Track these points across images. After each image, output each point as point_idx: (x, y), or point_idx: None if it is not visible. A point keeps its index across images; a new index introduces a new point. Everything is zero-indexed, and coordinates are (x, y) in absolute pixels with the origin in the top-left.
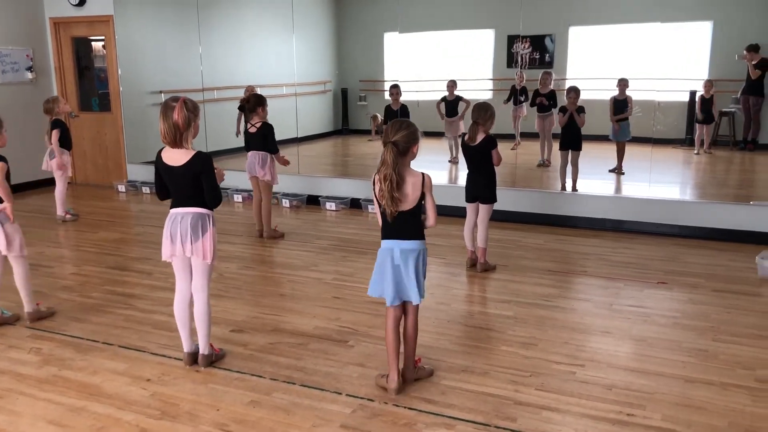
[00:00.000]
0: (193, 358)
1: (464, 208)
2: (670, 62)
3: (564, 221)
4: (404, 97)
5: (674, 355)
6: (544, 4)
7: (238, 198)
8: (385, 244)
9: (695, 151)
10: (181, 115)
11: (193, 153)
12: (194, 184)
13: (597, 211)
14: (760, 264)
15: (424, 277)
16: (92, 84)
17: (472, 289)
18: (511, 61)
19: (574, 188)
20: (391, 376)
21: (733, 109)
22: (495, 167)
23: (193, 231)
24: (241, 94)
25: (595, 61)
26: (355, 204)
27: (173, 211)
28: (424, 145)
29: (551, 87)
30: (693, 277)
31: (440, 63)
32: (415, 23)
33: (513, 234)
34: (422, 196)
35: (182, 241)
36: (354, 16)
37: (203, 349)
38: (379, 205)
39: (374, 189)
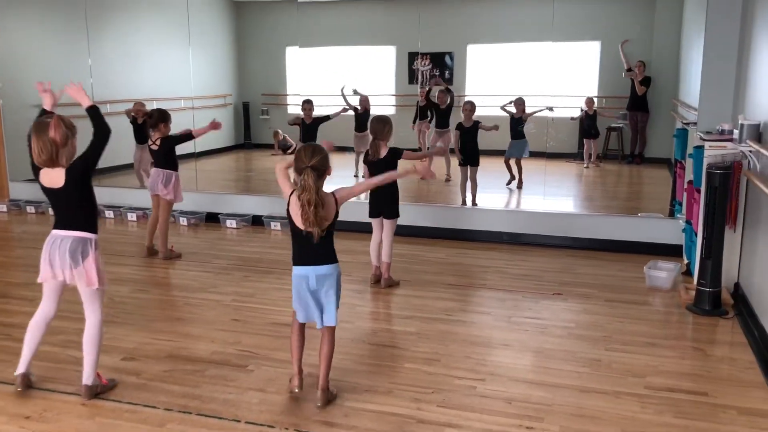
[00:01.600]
0: (26, 381)
1: (368, 224)
2: (562, 80)
3: (464, 235)
4: None
5: (570, 366)
6: (442, 23)
7: (132, 216)
8: (298, 270)
9: (585, 165)
10: (59, 131)
11: (64, 170)
12: (77, 204)
13: (495, 224)
14: (647, 274)
15: (338, 300)
16: None
17: (376, 306)
18: (413, 77)
19: (474, 203)
20: (294, 380)
21: (620, 125)
22: (397, 183)
23: (72, 257)
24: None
25: (493, 78)
26: (257, 221)
27: (54, 232)
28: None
29: (448, 102)
30: (586, 288)
31: (342, 78)
32: (316, 38)
33: (415, 249)
34: (336, 216)
35: (61, 267)
36: (254, 29)
37: (87, 379)
38: (296, 230)
39: (290, 213)
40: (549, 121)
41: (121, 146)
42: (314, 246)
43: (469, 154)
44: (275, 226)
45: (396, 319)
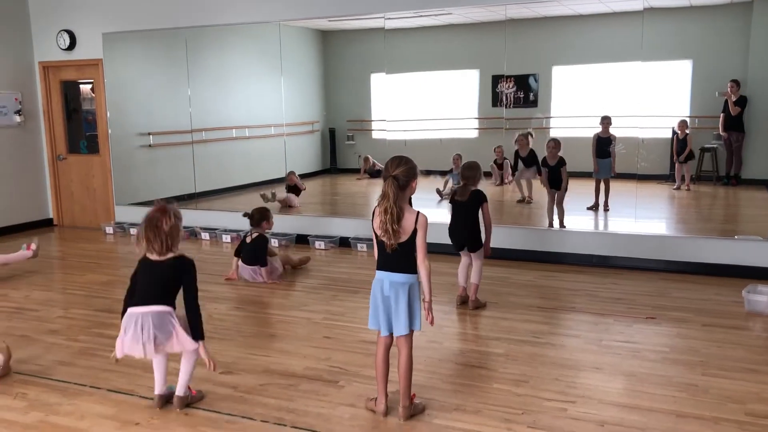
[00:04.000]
0: (162, 400)
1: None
2: (652, 100)
3: (552, 258)
4: (392, 136)
5: (665, 390)
6: (527, 45)
7: (226, 238)
8: (378, 275)
9: (675, 186)
10: (169, 223)
11: (178, 253)
12: (168, 285)
13: (584, 247)
14: (746, 298)
15: (417, 311)
16: (80, 126)
17: (463, 327)
18: (496, 100)
19: (561, 225)
20: (379, 399)
21: (714, 145)
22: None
23: (160, 330)
24: (229, 134)
25: (578, 99)
26: (344, 242)
27: (134, 310)
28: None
29: (530, 147)
30: (681, 312)
31: (427, 102)
32: (401, 64)
33: (502, 271)
34: (414, 234)
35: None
36: (341, 57)
37: (179, 390)
38: (377, 237)
39: (373, 221)
40: (640, 141)
41: (219, 171)
42: (392, 254)
43: (557, 179)
44: (362, 247)
45: (484, 341)
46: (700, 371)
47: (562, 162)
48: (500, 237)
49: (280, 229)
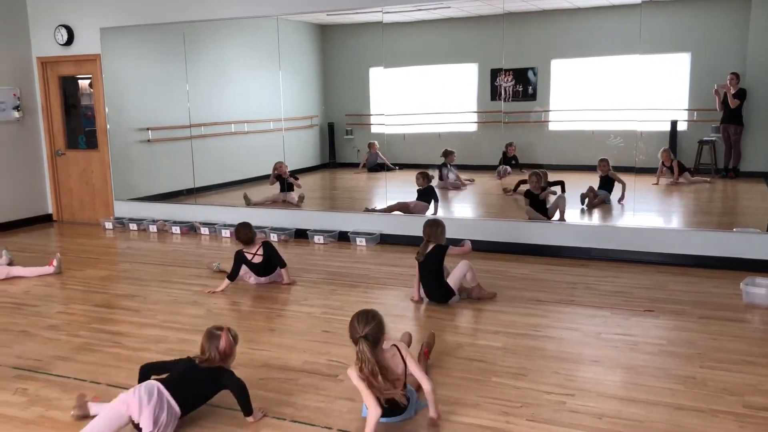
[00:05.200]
0: None
1: (459, 240)
2: (650, 93)
3: (551, 251)
4: (390, 130)
5: (663, 383)
6: (525, 39)
7: (225, 233)
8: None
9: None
10: (227, 343)
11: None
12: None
13: (583, 240)
14: (744, 290)
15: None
16: (79, 122)
17: (461, 321)
18: (495, 94)
19: (561, 218)
20: None
21: (713, 138)
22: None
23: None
24: (228, 129)
25: (578, 92)
26: (343, 237)
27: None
28: (411, 176)
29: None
30: (679, 305)
31: (425, 96)
32: (399, 58)
33: (501, 264)
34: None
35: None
36: (339, 51)
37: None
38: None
39: (356, 381)
40: (638, 135)
41: (217, 166)
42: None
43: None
44: (360, 241)
45: (482, 334)
46: (698, 364)
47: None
48: (499, 230)
49: (279, 224)
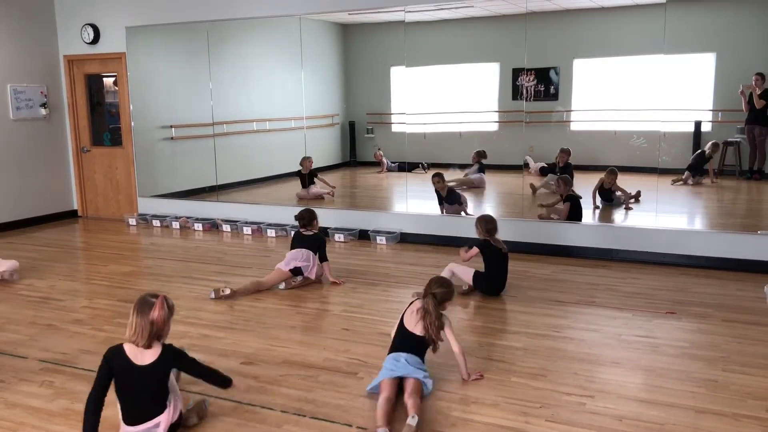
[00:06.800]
0: None
1: (469, 239)
2: (674, 93)
3: (572, 252)
4: (412, 129)
5: (684, 386)
6: (548, 38)
7: (247, 230)
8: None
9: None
10: (161, 313)
11: (160, 347)
12: (159, 388)
13: (604, 241)
14: None
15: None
16: (103, 119)
17: (482, 320)
18: (517, 93)
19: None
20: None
21: (738, 139)
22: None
23: None
24: (250, 127)
25: (600, 92)
26: (363, 235)
27: (128, 429)
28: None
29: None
30: (702, 307)
31: (446, 95)
32: (421, 57)
33: (522, 264)
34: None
35: None
36: (361, 50)
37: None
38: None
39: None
40: (661, 135)
41: (239, 164)
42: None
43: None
44: (380, 240)
45: (502, 334)
46: (720, 367)
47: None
48: (520, 231)
49: None
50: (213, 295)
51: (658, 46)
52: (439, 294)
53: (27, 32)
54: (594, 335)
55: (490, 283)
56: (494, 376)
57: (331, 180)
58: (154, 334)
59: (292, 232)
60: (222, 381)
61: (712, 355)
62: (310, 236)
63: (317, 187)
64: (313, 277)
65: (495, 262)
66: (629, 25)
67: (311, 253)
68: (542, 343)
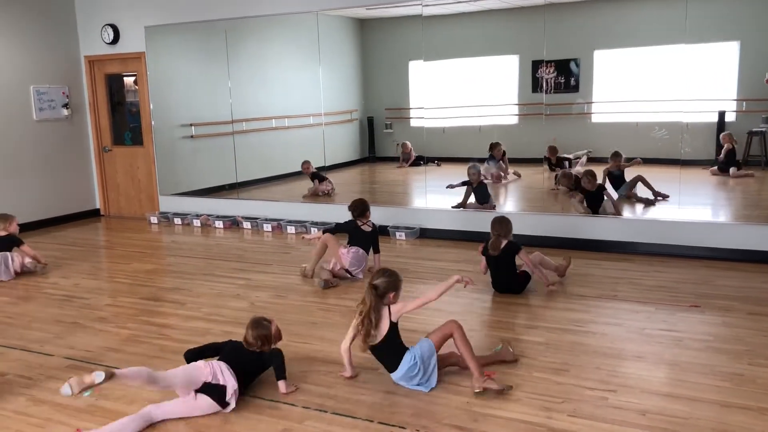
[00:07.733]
0: None
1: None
2: (697, 83)
3: (594, 245)
4: (430, 124)
5: (709, 380)
6: (567, 29)
7: (267, 227)
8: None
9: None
10: (277, 334)
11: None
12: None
13: (627, 234)
14: None
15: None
16: (124, 118)
17: (502, 315)
18: (536, 86)
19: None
20: None
21: (763, 129)
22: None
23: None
24: (269, 124)
25: (621, 83)
26: (382, 231)
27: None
28: (450, 170)
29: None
30: (726, 300)
31: (465, 89)
32: (439, 51)
33: None
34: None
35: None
36: (379, 45)
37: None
38: None
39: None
40: (684, 126)
41: (259, 161)
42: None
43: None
44: (400, 235)
45: (524, 329)
46: (746, 360)
47: (602, 187)
48: (542, 225)
49: (318, 218)
50: (323, 285)
51: (680, 36)
52: (380, 285)
53: (48, 34)
54: (616, 329)
55: (494, 284)
56: (516, 371)
57: (349, 176)
58: (265, 346)
59: (343, 222)
60: (280, 372)
61: (737, 349)
62: (368, 233)
63: (322, 185)
64: (361, 276)
65: (493, 266)
66: (650, 14)
67: (366, 254)
68: (564, 337)
